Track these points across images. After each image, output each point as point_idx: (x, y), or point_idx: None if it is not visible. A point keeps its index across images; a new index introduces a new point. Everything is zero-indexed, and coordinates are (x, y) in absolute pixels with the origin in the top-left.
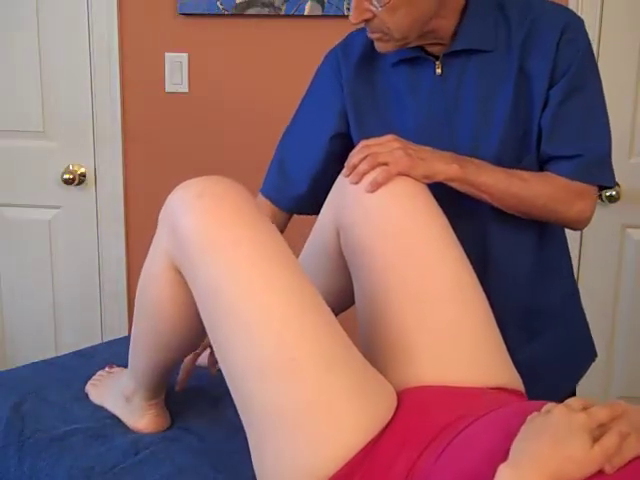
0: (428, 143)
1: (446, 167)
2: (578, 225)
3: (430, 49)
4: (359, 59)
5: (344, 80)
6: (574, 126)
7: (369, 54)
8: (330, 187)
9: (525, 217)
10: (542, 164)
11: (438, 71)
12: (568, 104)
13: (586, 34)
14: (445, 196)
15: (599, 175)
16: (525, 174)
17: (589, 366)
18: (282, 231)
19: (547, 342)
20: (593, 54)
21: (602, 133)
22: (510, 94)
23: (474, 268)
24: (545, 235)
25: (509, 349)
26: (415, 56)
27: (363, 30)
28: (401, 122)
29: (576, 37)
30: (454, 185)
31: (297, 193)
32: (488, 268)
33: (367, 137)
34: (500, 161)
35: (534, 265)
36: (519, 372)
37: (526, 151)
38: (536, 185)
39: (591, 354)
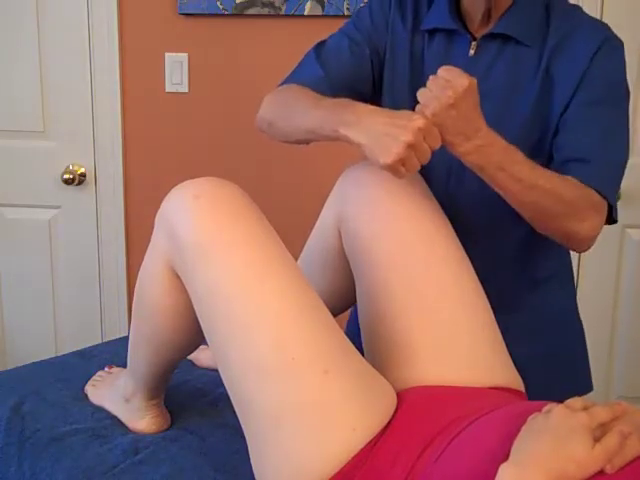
0: None
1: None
2: (582, 243)
3: (470, 27)
4: (408, 13)
5: (390, 24)
6: (588, 136)
7: (417, 13)
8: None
9: (532, 221)
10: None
11: (471, 52)
12: (588, 114)
13: (623, 56)
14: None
15: (604, 186)
16: (549, 171)
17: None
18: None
19: (532, 349)
20: (625, 76)
21: (617, 153)
22: (534, 94)
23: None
24: (530, 248)
25: None
26: (454, 28)
27: None
28: None
29: (612, 54)
30: (472, 165)
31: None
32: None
33: (394, 93)
34: None
35: (518, 274)
36: None
37: (537, 156)
38: (559, 185)
39: (585, 385)
